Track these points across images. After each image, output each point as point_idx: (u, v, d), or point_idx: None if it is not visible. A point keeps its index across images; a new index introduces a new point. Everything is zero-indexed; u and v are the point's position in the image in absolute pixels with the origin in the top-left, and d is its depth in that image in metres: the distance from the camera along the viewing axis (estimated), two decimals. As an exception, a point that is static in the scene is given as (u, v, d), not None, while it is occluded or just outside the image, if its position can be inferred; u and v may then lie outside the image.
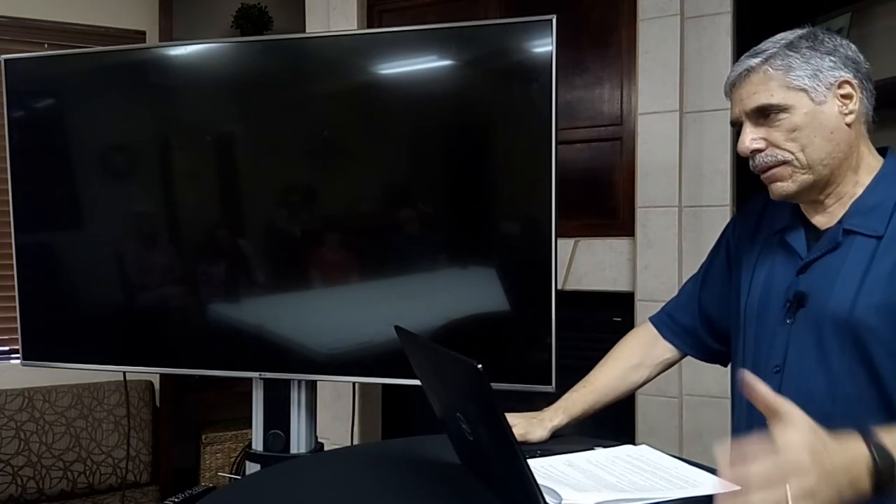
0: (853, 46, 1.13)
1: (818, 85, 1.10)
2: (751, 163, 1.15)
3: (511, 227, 1.94)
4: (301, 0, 2.88)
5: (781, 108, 1.10)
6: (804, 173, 1.11)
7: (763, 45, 1.14)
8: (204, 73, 2.08)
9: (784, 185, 1.13)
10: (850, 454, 0.81)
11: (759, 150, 1.13)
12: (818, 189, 1.14)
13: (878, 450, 0.81)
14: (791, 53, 1.11)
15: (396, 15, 2.74)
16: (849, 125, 1.11)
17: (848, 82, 1.11)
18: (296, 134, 2.04)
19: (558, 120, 1.82)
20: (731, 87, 1.16)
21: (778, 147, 1.11)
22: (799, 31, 1.14)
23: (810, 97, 1.10)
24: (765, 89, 1.11)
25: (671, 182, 2.28)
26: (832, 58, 1.11)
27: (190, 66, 2.08)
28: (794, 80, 1.10)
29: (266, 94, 2.03)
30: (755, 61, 1.12)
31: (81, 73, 2.15)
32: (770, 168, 1.13)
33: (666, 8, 2.28)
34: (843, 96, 1.11)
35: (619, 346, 1.43)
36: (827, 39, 1.12)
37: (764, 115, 1.11)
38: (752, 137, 1.13)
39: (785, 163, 1.11)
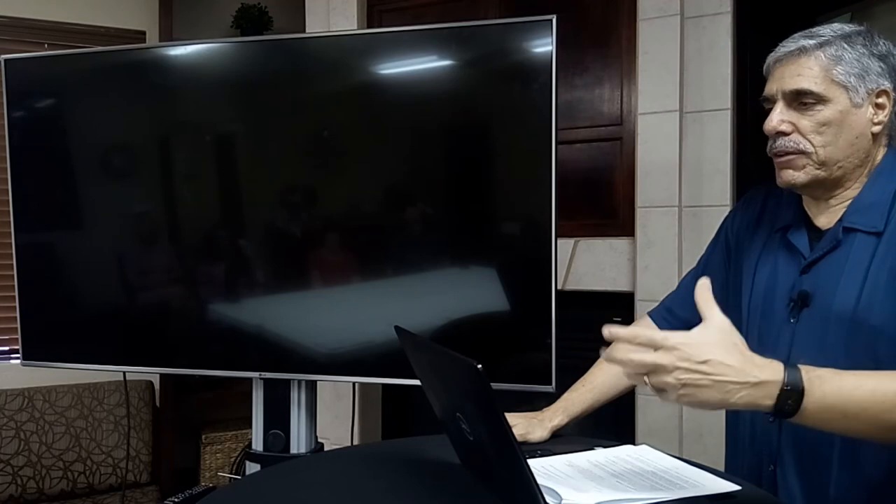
0: None
1: (860, 86, 1.09)
2: (770, 143, 1.14)
3: (511, 227, 1.94)
4: (301, 0, 2.88)
5: (819, 99, 1.09)
6: (817, 168, 1.11)
7: (819, 30, 1.12)
8: (204, 73, 2.08)
9: (796, 175, 1.12)
10: (767, 373, 0.90)
11: (784, 134, 1.11)
12: (825, 187, 1.13)
13: (790, 379, 0.90)
14: (845, 46, 1.10)
15: (396, 15, 2.74)
16: (873, 134, 1.11)
17: (886, 92, 1.10)
18: (296, 134, 2.04)
19: (558, 120, 1.82)
20: (776, 62, 1.14)
21: (803, 136, 1.10)
22: (856, 27, 1.13)
23: (849, 96, 1.09)
24: (810, 74, 1.09)
25: (671, 182, 2.28)
26: (882, 63, 1.10)
27: (190, 66, 2.08)
28: (840, 74, 1.09)
29: (266, 94, 2.03)
30: (810, 43, 1.10)
31: (81, 73, 2.15)
32: (788, 154, 1.12)
33: (666, 8, 2.28)
34: (877, 105, 1.11)
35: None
36: (881, 43, 1.11)
37: (800, 100, 1.10)
38: (781, 118, 1.12)
39: (804, 153, 1.11)
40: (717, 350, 0.89)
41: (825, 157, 1.10)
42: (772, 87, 1.14)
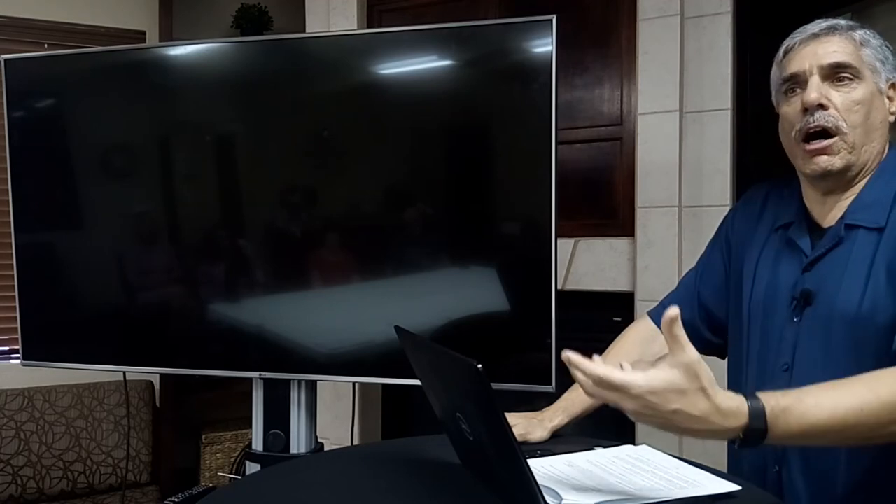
0: None
1: (883, 73, 1.11)
2: (806, 118, 1.11)
3: (511, 227, 1.94)
4: (301, 0, 2.88)
5: (856, 75, 1.10)
6: (850, 152, 1.11)
7: (836, 19, 1.14)
8: (204, 73, 2.08)
9: (832, 160, 1.11)
10: (731, 421, 0.90)
11: (824, 108, 1.10)
12: (848, 177, 1.13)
13: (753, 424, 0.90)
14: (868, 33, 1.12)
15: (396, 15, 2.74)
16: (889, 125, 1.13)
17: (895, 86, 1.13)
18: (296, 134, 2.04)
19: (558, 120, 1.82)
20: (802, 42, 1.13)
21: (838, 112, 1.10)
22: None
23: (875, 80, 1.11)
24: (845, 50, 1.10)
25: (671, 182, 2.28)
26: (893, 57, 1.13)
27: (190, 66, 2.08)
28: (869, 56, 1.11)
29: (266, 94, 2.03)
30: (841, 23, 1.12)
31: (81, 73, 2.15)
32: (824, 131, 1.10)
33: (666, 8, 2.28)
34: (889, 97, 1.13)
35: (617, 343, 1.43)
36: (885, 41, 1.14)
37: (836, 76, 1.10)
38: (820, 91, 1.10)
39: (839, 135, 1.10)
40: (683, 401, 0.88)
41: (854, 140, 1.10)
42: (803, 64, 1.12)
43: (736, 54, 2.27)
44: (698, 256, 1.43)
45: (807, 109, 1.11)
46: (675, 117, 2.27)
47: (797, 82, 1.13)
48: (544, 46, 1.78)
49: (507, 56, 1.87)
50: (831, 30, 1.12)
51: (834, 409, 0.92)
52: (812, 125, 1.11)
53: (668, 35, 2.28)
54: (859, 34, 1.11)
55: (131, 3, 3.16)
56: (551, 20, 1.77)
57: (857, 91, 1.10)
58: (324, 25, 2.79)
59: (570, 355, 0.92)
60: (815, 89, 1.10)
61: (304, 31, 2.80)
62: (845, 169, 1.11)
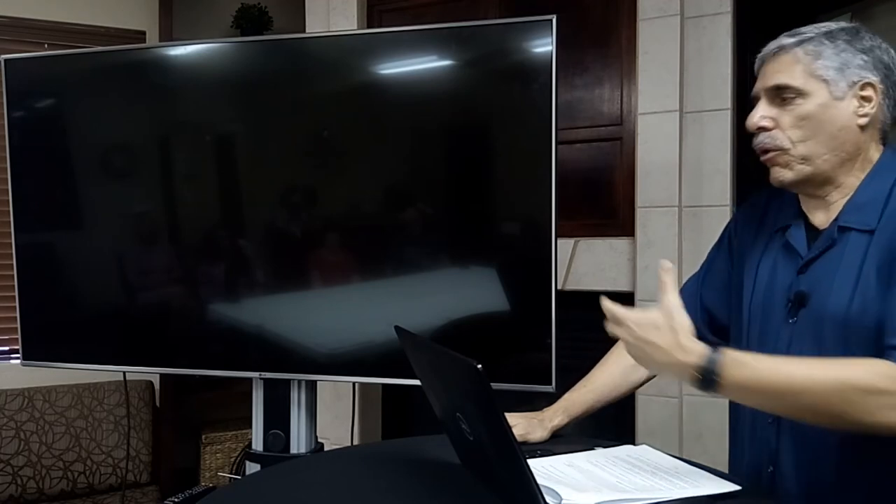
0: (892, 52, 1.14)
1: (841, 80, 1.11)
2: (754, 139, 1.16)
3: (511, 227, 1.94)
4: (301, 0, 2.88)
5: (798, 93, 1.11)
6: (801, 163, 1.12)
7: (803, 28, 1.15)
8: (204, 73, 2.08)
9: (783, 172, 1.14)
10: (689, 357, 1.02)
11: (765, 129, 1.13)
12: (816, 184, 1.14)
13: (707, 363, 1.01)
14: (826, 42, 1.12)
15: (396, 15, 2.74)
16: (861, 127, 1.12)
17: (871, 85, 1.12)
18: (296, 134, 2.04)
19: (558, 120, 1.82)
20: (761, 62, 1.17)
21: (782, 132, 1.12)
22: (843, 24, 1.15)
23: (829, 90, 1.11)
24: (789, 71, 1.12)
25: (671, 182, 2.28)
26: (865, 57, 1.12)
27: (190, 66, 2.08)
28: (819, 68, 1.11)
29: (266, 94, 2.03)
30: (789, 41, 1.14)
31: (81, 73, 2.15)
32: (768, 151, 1.14)
33: (666, 8, 2.28)
34: (862, 97, 1.12)
35: (619, 344, 1.43)
36: (867, 38, 1.13)
37: (780, 95, 1.12)
38: (762, 115, 1.14)
39: (782, 150, 1.13)
40: (655, 333, 1.04)
41: (805, 152, 1.12)
42: (756, 86, 1.17)
43: (736, 54, 2.27)
44: (698, 256, 1.43)
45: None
46: (675, 117, 2.27)
47: (757, 101, 1.17)
48: (544, 46, 1.79)
49: (507, 56, 1.88)
50: (780, 49, 1.14)
51: (789, 373, 1.00)
52: (758, 146, 1.16)
53: (668, 35, 2.28)
54: (811, 47, 1.11)
55: (131, 3, 3.16)
56: (551, 20, 1.77)
57: (803, 107, 1.11)
58: (324, 25, 2.79)
59: (604, 300, 1.11)
60: (758, 113, 1.15)
61: (304, 31, 2.80)
62: (802, 179, 1.13)
